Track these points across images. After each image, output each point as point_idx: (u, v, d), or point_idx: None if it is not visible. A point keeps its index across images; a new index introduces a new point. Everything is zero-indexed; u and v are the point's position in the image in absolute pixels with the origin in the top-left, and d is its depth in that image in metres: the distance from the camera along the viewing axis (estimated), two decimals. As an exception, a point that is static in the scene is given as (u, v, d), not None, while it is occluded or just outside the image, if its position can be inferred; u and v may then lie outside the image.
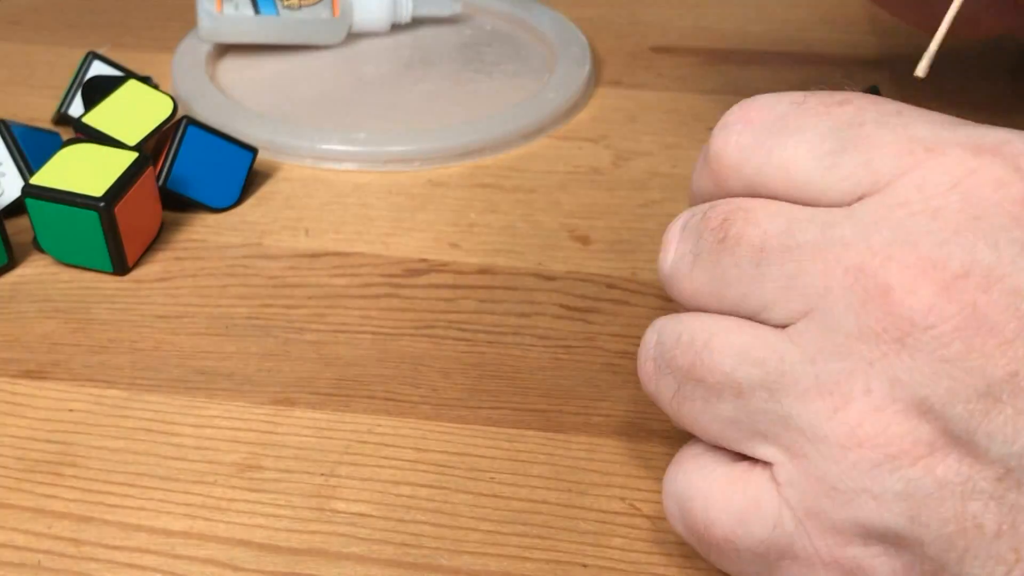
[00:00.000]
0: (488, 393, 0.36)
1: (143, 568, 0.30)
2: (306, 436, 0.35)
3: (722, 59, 0.58)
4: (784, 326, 0.26)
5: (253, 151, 0.46)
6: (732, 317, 0.27)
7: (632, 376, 0.37)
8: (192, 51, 0.54)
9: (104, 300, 0.40)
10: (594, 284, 0.41)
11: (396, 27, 0.58)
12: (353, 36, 0.57)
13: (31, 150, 0.44)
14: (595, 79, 0.55)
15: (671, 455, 0.34)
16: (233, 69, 0.55)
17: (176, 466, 0.33)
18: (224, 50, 0.56)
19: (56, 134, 0.46)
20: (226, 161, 0.45)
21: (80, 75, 0.49)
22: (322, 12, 0.53)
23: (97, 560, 0.31)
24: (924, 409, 0.24)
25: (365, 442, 0.34)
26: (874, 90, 0.38)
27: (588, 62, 0.54)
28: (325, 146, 0.48)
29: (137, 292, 0.41)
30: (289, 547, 0.31)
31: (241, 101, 0.51)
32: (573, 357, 0.38)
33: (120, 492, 0.33)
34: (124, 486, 0.33)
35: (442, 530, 0.32)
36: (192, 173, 0.44)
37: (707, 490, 0.27)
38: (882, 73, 0.56)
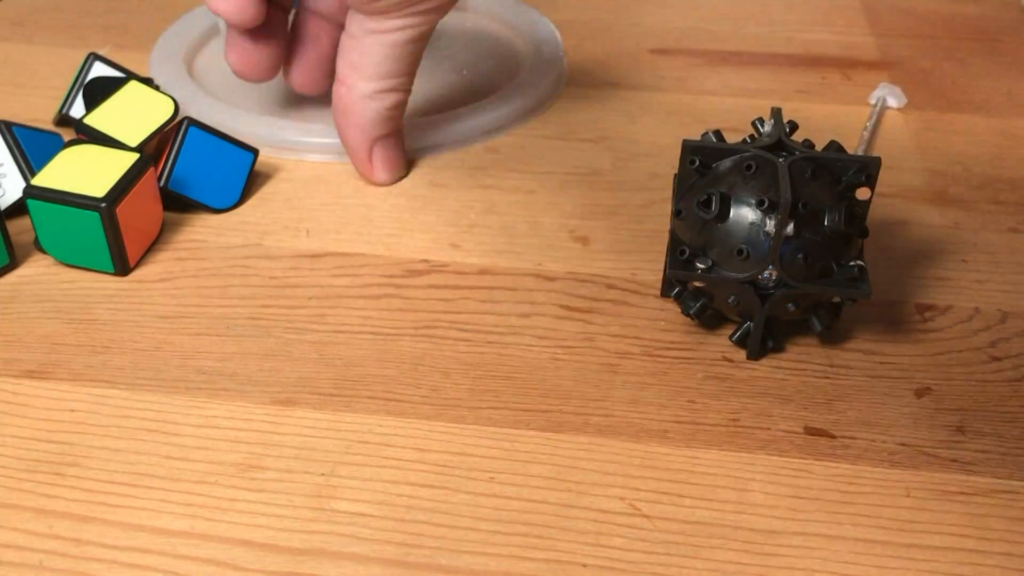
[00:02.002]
0: (488, 393, 0.36)
1: (144, 568, 0.30)
2: (307, 436, 0.35)
3: (722, 60, 0.58)
4: None
5: (254, 152, 0.47)
6: None
7: (632, 376, 0.37)
8: (170, 44, 0.55)
9: (105, 300, 0.40)
10: (594, 284, 0.41)
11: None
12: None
13: (33, 151, 0.44)
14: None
15: (671, 455, 0.34)
16: (209, 67, 0.55)
17: (177, 466, 0.34)
18: (199, 48, 0.56)
19: (58, 135, 0.46)
20: (227, 162, 0.45)
21: (81, 76, 0.49)
22: None
23: (98, 560, 0.31)
24: None
25: (366, 442, 0.35)
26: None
27: (561, 62, 0.54)
28: (282, 136, 0.48)
29: (138, 292, 0.41)
30: (290, 547, 0.31)
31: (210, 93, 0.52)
32: (573, 357, 0.38)
33: (121, 492, 0.33)
34: (125, 486, 0.33)
35: (442, 530, 0.32)
36: (193, 174, 0.44)
37: None
38: (881, 73, 0.57)
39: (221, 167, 0.45)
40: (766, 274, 0.36)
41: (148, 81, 0.46)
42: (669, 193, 0.47)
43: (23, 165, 0.43)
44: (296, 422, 0.35)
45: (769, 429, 0.35)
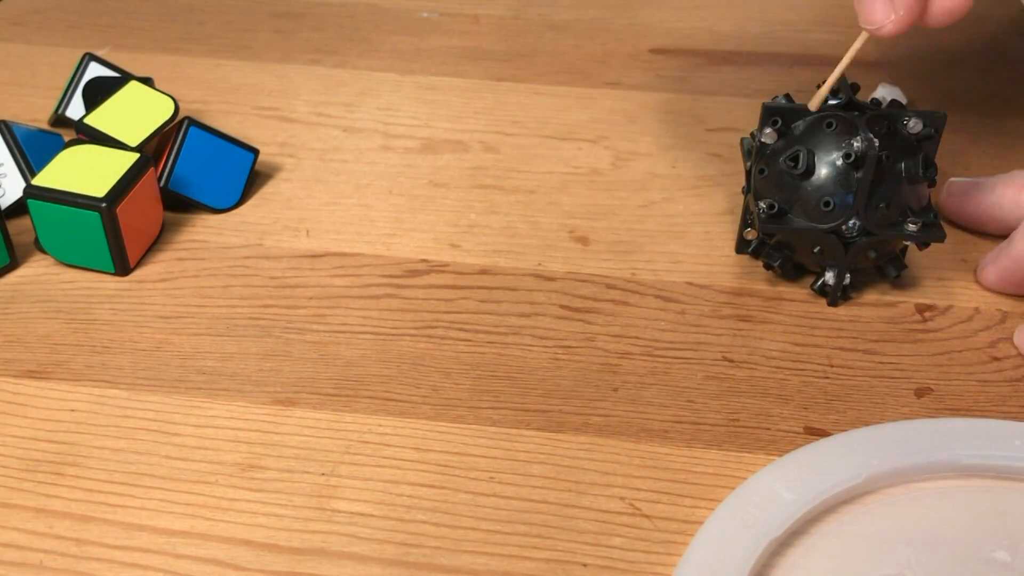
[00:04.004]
0: (488, 393, 0.36)
1: (145, 568, 0.30)
2: (307, 436, 0.35)
3: (721, 60, 0.58)
4: None
5: (254, 152, 0.47)
6: None
7: (632, 376, 0.37)
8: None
9: (106, 300, 0.40)
10: (594, 284, 0.42)
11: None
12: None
13: (33, 151, 0.44)
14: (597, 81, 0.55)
15: (671, 455, 0.34)
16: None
17: (177, 466, 0.34)
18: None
19: (58, 135, 0.46)
20: (227, 162, 0.45)
21: (77, 77, 0.49)
22: None
23: (99, 560, 0.31)
24: None
25: (366, 442, 0.35)
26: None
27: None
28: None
29: (138, 292, 0.41)
30: (290, 547, 0.31)
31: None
32: (573, 357, 0.38)
33: (121, 492, 0.33)
34: (125, 486, 0.33)
35: (442, 529, 0.32)
36: (193, 174, 0.44)
37: None
38: (881, 73, 0.57)
39: (221, 167, 0.45)
40: (851, 223, 0.38)
41: (148, 81, 0.46)
42: (669, 193, 0.47)
43: (23, 165, 0.43)
44: (296, 422, 0.35)
45: (769, 429, 0.35)
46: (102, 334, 0.39)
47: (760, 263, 0.42)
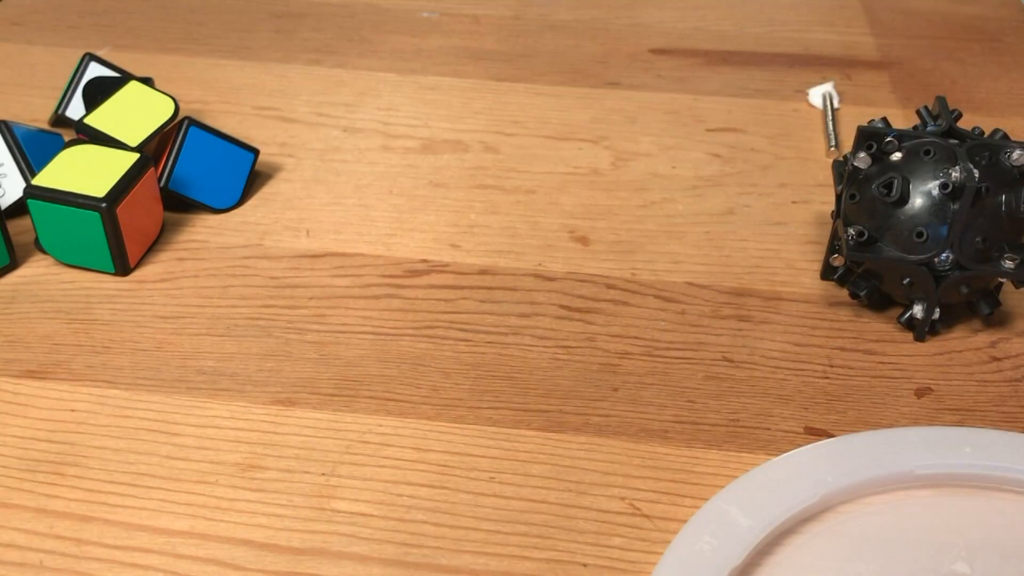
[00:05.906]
0: (488, 393, 0.36)
1: (145, 568, 0.30)
2: (307, 436, 0.35)
3: (722, 60, 0.58)
4: None
5: (254, 152, 0.47)
6: None
7: (632, 376, 0.37)
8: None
9: (106, 300, 0.40)
10: (594, 284, 0.42)
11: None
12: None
13: (33, 151, 0.44)
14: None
15: (671, 455, 0.34)
16: None
17: (178, 466, 0.34)
18: None
19: (58, 135, 0.46)
20: (227, 162, 0.45)
21: (77, 77, 0.49)
22: None
23: (99, 560, 0.31)
24: None
25: (366, 442, 0.35)
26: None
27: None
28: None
29: (139, 293, 0.41)
30: (290, 546, 0.31)
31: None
32: (573, 357, 0.38)
33: (122, 492, 0.33)
34: (126, 486, 0.33)
35: (443, 529, 0.32)
36: (194, 174, 0.44)
37: None
38: (881, 73, 0.57)
39: (221, 167, 0.45)
40: (943, 256, 0.37)
41: (148, 81, 0.46)
42: (668, 193, 0.47)
43: (23, 165, 0.43)
44: (296, 422, 0.35)
45: (769, 429, 0.35)
46: (102, 334, 0.39)
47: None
